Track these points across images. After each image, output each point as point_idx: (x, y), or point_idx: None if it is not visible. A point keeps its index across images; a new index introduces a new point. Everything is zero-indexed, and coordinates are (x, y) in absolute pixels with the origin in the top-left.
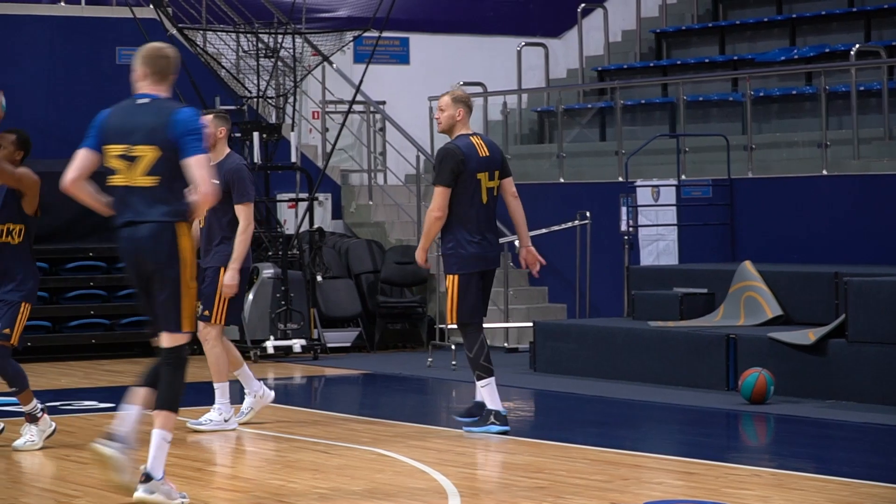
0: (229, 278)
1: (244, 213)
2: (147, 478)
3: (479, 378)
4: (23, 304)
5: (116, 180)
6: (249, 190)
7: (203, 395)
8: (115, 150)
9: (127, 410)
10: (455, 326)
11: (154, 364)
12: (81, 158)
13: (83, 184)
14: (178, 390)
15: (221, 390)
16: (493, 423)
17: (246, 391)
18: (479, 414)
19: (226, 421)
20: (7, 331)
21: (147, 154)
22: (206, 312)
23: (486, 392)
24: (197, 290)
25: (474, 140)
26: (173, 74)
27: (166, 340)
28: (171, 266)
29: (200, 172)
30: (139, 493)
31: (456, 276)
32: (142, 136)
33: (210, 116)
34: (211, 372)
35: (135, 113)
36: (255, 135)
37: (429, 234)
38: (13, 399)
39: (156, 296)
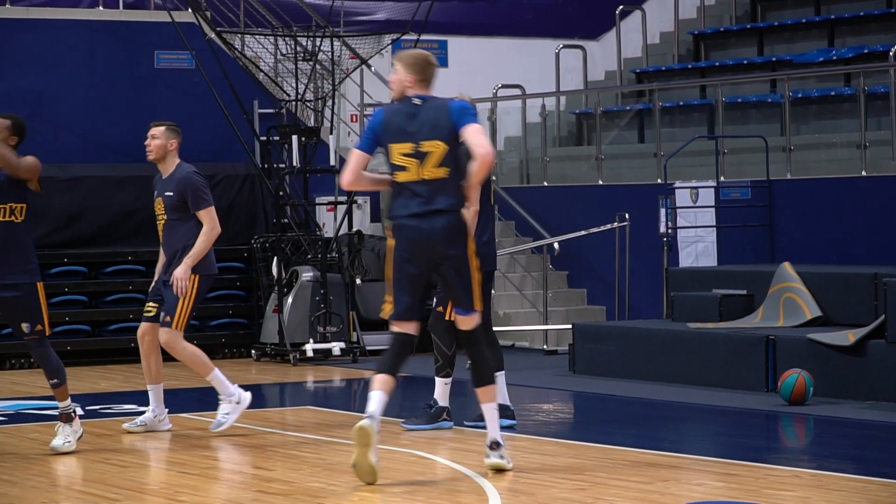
0: (181, 271)
1: (207, 219)
2: (496, 445)
3: (448, 376)
4: (38, 286)
5: (404, 176)
6: (206, 194)
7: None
8: (401, 148)
9: (375, 397)
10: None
11: (394, 351)
12: (357, 159)
13: (360, 178)
14: (488, 363)
15: (215, 379)
16: (444, 420)
17: (221, 397)
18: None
19: (238, 403)
20: (39, 327)
21: (436, 149)
22: (168, 318)
23: (447, 390)
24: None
25: None
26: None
27: (464, 323)
28: (464, 252)
29: (478, 138)
30: (493, 460)
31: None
32: (427, 132)
33: (162, 128)
34: (195, 370)
35: (415, 113)
36: (294, 138)
37: None
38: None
39: (451, 281)
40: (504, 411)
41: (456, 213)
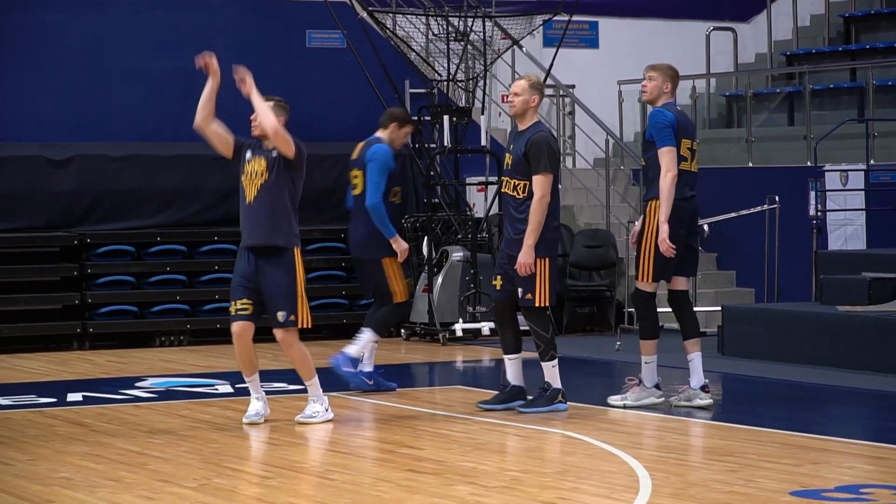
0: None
1: None
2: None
3: (553, 358)
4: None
5: (684, 166)
6: None
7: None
8: (687, 144)
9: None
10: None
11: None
12: (674, 155)
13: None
14: (696, 319)
15: (314, 385)
16: (560, 402)
17: (313, 396)
18: (519, 398)
19: (326, 411)
20: (293, 317)
21: (697, 148)
22: (293, 317)
23: (557, 372)
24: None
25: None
26: None
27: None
28: None
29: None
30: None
31: (547, 259)
32: (695, 133)
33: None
34: (303, 371)
35: (686, 117)
36: (445, 118)
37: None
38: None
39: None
40: (521, 393)
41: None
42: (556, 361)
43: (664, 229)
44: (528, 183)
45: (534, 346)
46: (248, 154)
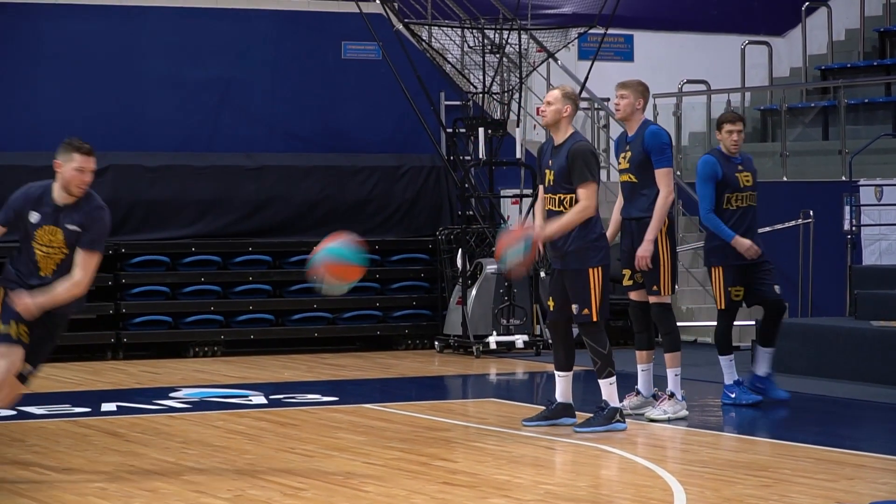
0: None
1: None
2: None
3: (611, 375)
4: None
5: None
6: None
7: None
8: None
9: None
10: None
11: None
12: (671, 175)
13: None
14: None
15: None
16: (618, 422)
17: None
18: (564, 415)
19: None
20: (585, 311)
21: None
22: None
23: (615, 390)
24: None
25: None
26: None
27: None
28: None
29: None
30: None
31: (600, 269)
32: None
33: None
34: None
35: None
36: (480, 130)
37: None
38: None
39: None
40: (567, 410)
41: None
42: (613, 378)
43: (650, 248)
44: (574, 196)
45: (590, 362)
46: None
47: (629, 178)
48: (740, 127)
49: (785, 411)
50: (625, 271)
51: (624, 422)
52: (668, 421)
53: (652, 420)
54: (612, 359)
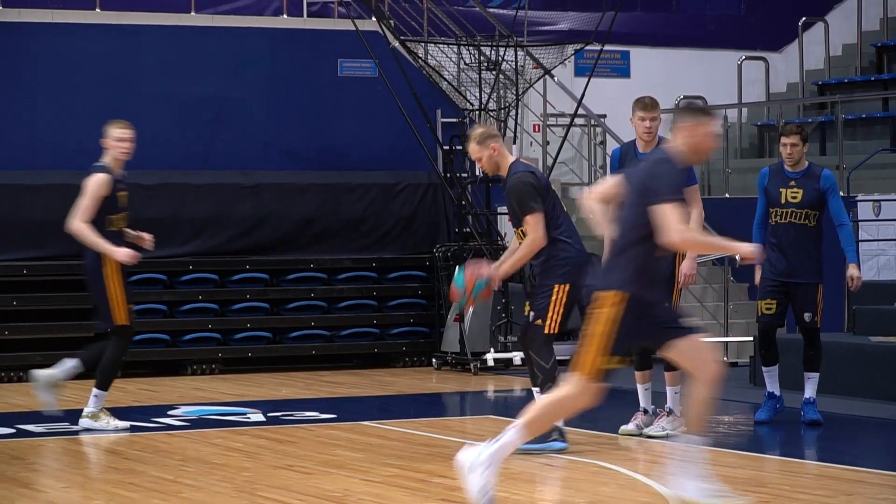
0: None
1: None
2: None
3: (550, 390)
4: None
5: None
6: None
7: None
8: None
9: None
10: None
11: None
12: None
13: None
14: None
15: None
16: (555, 440)
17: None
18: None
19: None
20: (539, 321)
21: None
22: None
23: None
24: None
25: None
26: None
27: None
28: None
29: None
30: None
31: (567, 286)
32: None
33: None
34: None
35: None
36: None
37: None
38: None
39: None
40: (560, 432)
41: None
42: None
43: (695, 266)
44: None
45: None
46: None
47: None
48: (793, 140)
49: (784, 427)
50: None
51: (564, 441)
52: (667, 437)
53: (650, 437)
54: (554, 373)
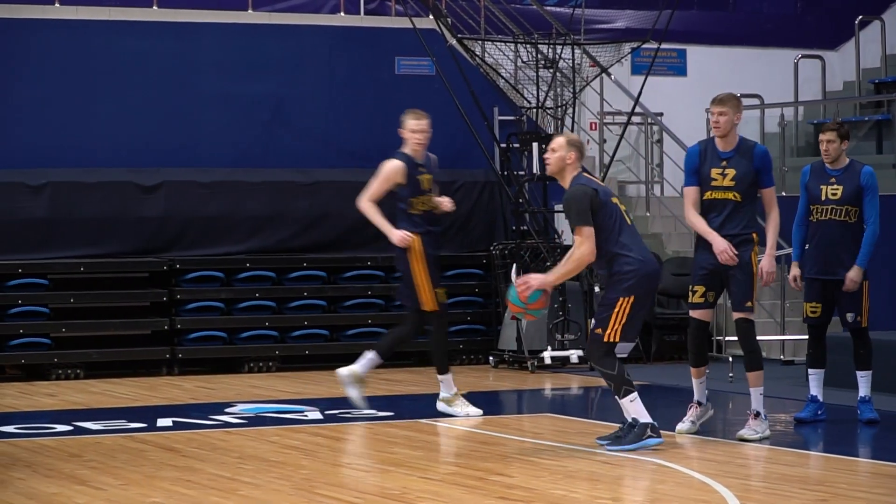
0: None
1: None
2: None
3: (629, 392)
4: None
5: None
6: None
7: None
8: None
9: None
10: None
11: None
12: None
13: None
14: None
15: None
16: (650, 437)
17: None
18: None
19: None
20: (599, 330)
21: None
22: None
23: (640, 405)
24: None
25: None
26: None
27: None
28: None
29: None
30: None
31: (632, 298)
32: None
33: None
34: None
35: None
36: (534, 145)
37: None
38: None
39: None
40: (653, 429)
41: None
42: (634, 395)
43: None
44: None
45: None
46: None
47: (732, 195)
48: (829, 136)
49: (840, 426)
50: (697, 288)
51: (658, 436)
52: (760, 441)
53: (744, 440)
54: (625, 376)
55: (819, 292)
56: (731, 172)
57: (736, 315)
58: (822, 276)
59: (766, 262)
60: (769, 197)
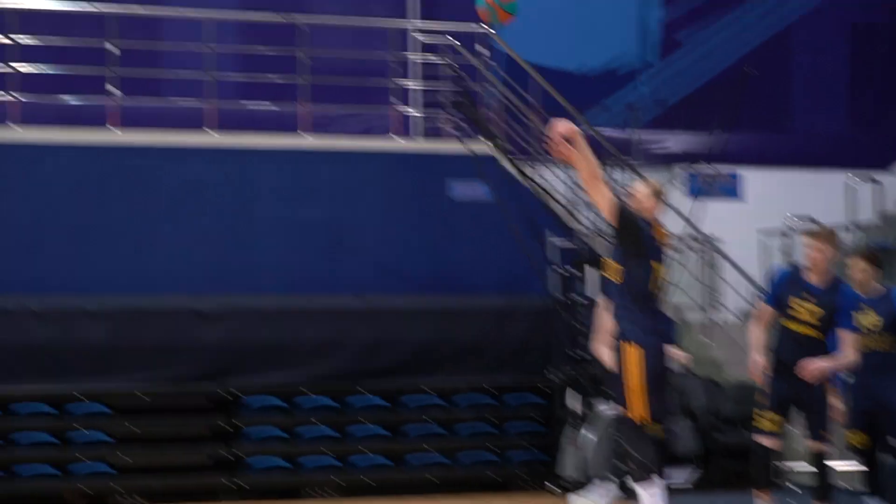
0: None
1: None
2: None
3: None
4: None
5: None
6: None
7: None
8: None
9: None
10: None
11: None
12: None
13: None
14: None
15: None
16: None
17: None
18: None
19: None
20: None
21: None
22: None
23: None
24: None
25: None
26: None
27: None
28: None
29: None
30: None
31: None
32: None
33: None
34: None
35: None
36: (589, 269)
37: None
38: None
39: None
40: None
41: None
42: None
43: (827, 367)
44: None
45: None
46: None
47: (812, 332)
48: (858, 263)
49: None
50: (776, 418)
51: None
52: None
53: None
54: (651, 464)
55: (861, 421)
56: (818, 312)
57: (816, 446)
58: (867, 407)
59: (819, 361)
60: (846, 339)
